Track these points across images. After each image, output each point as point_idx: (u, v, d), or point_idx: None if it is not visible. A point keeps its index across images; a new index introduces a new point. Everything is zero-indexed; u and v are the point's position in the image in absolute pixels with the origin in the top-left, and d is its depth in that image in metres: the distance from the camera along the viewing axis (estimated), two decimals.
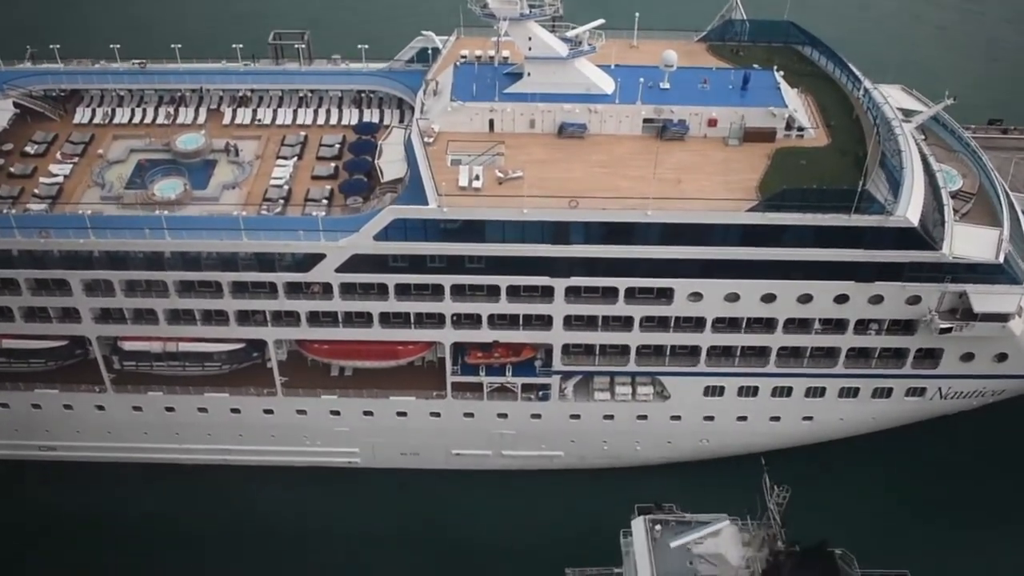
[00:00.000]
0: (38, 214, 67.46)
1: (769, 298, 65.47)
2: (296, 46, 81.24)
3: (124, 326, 70.46)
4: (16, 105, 77.63)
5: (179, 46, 79.93)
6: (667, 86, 68.11)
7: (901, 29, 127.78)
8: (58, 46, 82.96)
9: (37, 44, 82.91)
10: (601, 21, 68.67)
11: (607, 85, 67.59)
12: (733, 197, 61.63)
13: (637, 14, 74.43)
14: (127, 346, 71.62)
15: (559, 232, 62.56)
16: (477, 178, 63.03)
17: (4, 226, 65.11)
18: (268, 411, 73.76)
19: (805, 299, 65.49)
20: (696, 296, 65.59)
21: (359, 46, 79.72)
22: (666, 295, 65.96)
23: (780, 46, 76.46)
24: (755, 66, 71.89)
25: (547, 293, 66.02)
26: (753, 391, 71.31)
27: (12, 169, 73.72)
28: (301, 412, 73.58)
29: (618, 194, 62.12)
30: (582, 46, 66.97)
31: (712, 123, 66.79)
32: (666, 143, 66.46)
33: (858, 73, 71.91)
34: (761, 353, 69.35)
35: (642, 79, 66.59)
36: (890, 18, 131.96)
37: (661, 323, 67.73)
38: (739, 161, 65.21)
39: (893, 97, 72.37)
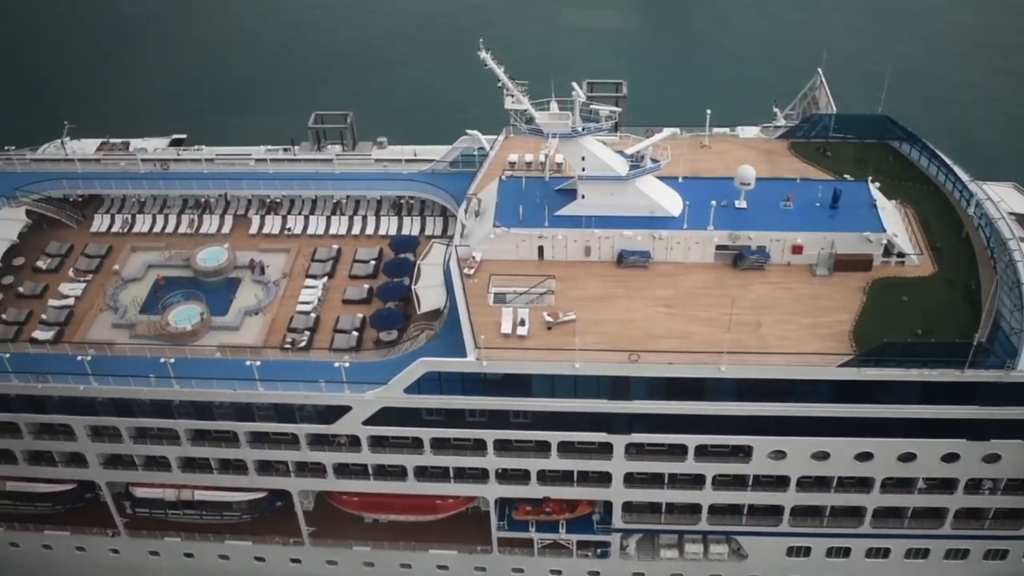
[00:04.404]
0: (38, 353, 60.77)
1: (864, 457, 56.34)
2: (339, 128, 74.83)
3: (135, 472, 63.86)
4: (30, 213, 71.30)
5: (204, 151, 73.45)
6: (743, 205, 59.24)
7: (1013, 115, 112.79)
8: (75, 126, 77.66)
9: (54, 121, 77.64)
10: (667, 133, 60.10)
11: (674, 206, 58.90)
12: (823, 350, 52.54)
13: (708, 111, 65.96)
14: (139, 492, 65.16)
15: (617, 387, 54.18)
16: (523, 323, 54.80)
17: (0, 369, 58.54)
18: (295, 560, 66.41)
19: (907, 458, 56.23)
20: (778, 454, 56.71)
21: (412, 150, 72.58)
22: (744, 452, 57.04)
23: (873, 142, 66.94)
24: (846, 176, 62.51)
25: (605, 449, 57.49)
26: (845, 552, 62.19)
27: (21, 288, 67.68)
28: (331, 563, 66.51)
29: (687, 342, 53.54)
30: (644, 162, 58.21)
31: (797, 250, 57.82)
32: (743, 273, 57.63)
33: (965, 178, 62.46)
34: (855, 513, 60.09)
35: (714, 202, 57.60)
36: (995, 103, 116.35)
37: (738, 481, 58.96)
38: (829, 297, 56.12)
39: (1006, 201, 62.36)
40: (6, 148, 75.95)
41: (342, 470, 61.30)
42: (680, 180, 60.88)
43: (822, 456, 56.52)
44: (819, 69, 70.07)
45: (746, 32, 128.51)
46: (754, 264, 57.89)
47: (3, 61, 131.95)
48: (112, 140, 78.25)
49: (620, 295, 56.87)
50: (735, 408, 54.41)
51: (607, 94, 71.00)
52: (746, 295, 56.16)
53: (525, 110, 57.30)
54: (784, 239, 57.71)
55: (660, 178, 60.08)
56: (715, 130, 68.06)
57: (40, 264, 69.62)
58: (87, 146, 77.56)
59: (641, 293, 56.93)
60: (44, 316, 65.07)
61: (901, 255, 57.59)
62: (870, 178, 61.27)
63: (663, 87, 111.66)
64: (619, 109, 60.30)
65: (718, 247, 58.27)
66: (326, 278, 66.56)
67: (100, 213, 73.54)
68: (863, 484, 58.46)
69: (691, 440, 56.63)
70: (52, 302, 66.23)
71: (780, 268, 58.16)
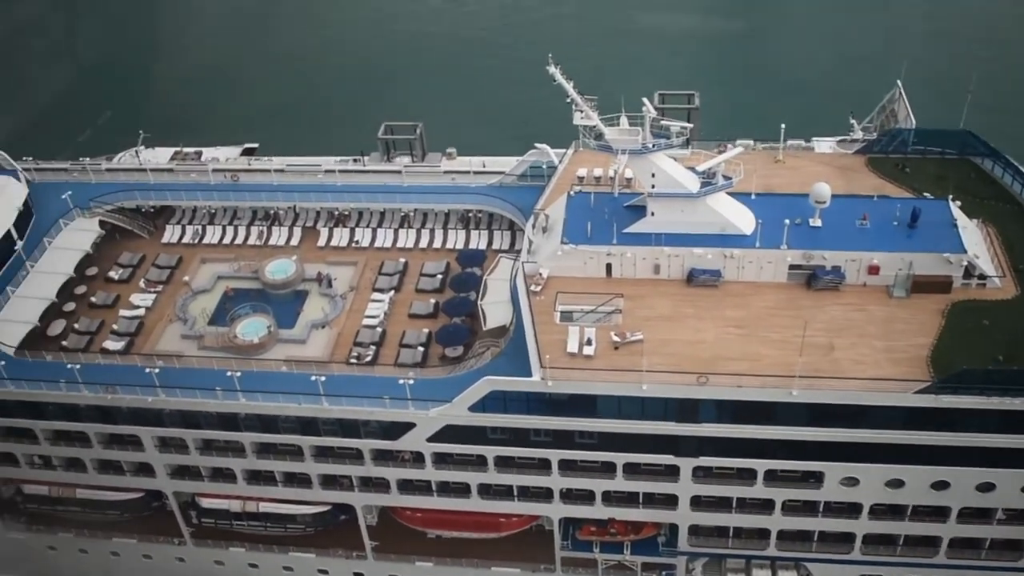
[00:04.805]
0: (108, 364, 61.41)
1: (941, 485, 54.39)
2: (408, 139, 74.92)
3: (201, 483, 64.19)
4: (103, 223, 72.18)
5: (275, 161, 73.76)
6: (818, 223, 57.60)
7: None
8: (149, 135, 78.76)
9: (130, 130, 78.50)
10: (739, 149, 58.74)
11: (746, 224, 57.53)
12: (899, 375, 50.79)
13: (783, 125, 64.34)
14: (205, 503, 65.52)
15: (685, 410, 52.99)
16: (589, 342, 53.89)
17: (70, 379, 59.18)
18: (358, 574, 66.40)
19: (985, 488, 54.17)
20: (851, 481, 55.04)
21: (481, 161, 72.30)
22: (815, 477, 55.49)
23: (954, 158, 64.75)
24: (926, 194, 60.57)
25: (672, 472, 56.37)
26: None
27: (93, 298, 68.58)
28: None
29: (757, 364, 52.18)
30: (716, 179, 56.95)
31: (873, 271, 56.03)
32: (817, 294, 56.07)
33: None
34: (930, 543, 58.16)
35: (787, 220, 56.14)
36: None
37: (808, 506, 57.37)
38: (906, 320, 54.27)
39: None
40: (80, 159, 76.99)
41: (406, 486, 60.94)
42: (753, 197, 59.41)
43: (896, 484, 54.76)
44: (898, 81, 68.11)
45: (824, 40, 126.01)
46: (828, 285, 56.25)
47: (85, 72, 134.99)
48: (185, 149, 79.18)
49: (689, 315, 55.67)
50: (806, 433, 52.88)
51: (679, 106, 70.07)
52: (819, 317, 54.57)
53: (594, 126, 56.43)
54: (860, 259, 55.97)
55: (732, 194, 58.67)
56: (790, 142, 66.46)
57: (112, 274, 70.50)
58: (161, 155, 78.60)
59: (711, 313, 55.65)
60: (115, 326, 65.86)
61: (982, 277, 55.49)
62: (951, 196, 59.09)
63: (737, 97, 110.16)
64: (690, 125, 58.90)
65: (791, 267, 56.72)
66: (393, 292, 66.43)
67: (171, 224, 74.28)
68: (939, 513, 56.45)
69: (760, 464, 55.24)
70: (123, 312, 67.00)
71: (855, 289, 56.40)
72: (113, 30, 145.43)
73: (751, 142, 66.40)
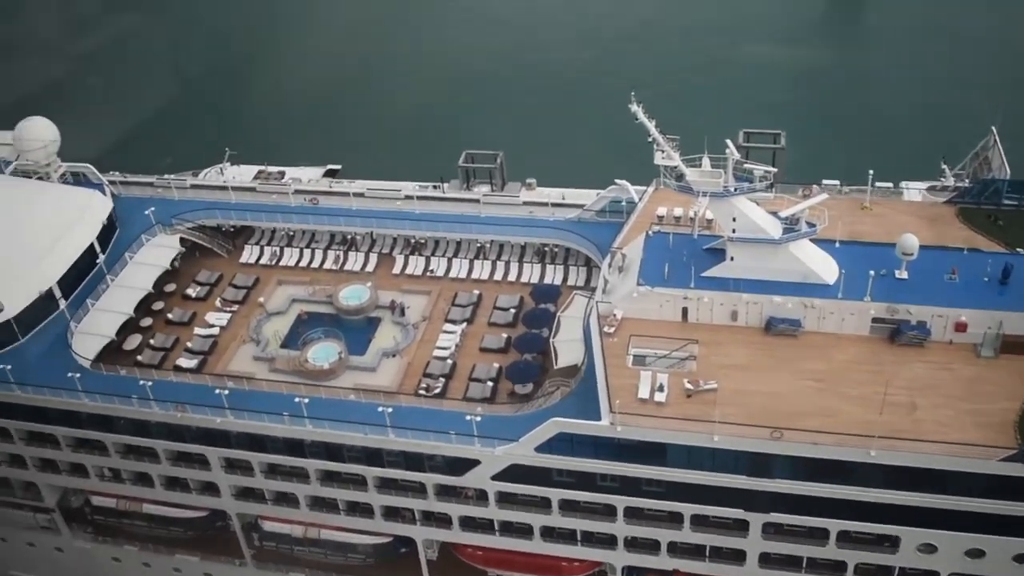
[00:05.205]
0: (179, 383, 61.83)
1: None
2: (488, 168, 74.46)
3: (264, 506, 64.19)
4: (184, 240, 72.97)
5: (356, 184, 73.99)
6: (904, 275, 55.61)
7: None
8: (235, 153, 79.69)
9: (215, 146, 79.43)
10: (824, 196, 57.01)
11: (828, 273, 55.80)
12: (984, 440, 48.58)
13: (871, 172, 62.45)
14: (267, 526, 65.57)
15: (758, 464, 51.37)
16: (661, 388, 52.63)
17: (142, 396, 59.70)
18: None
19: None
20: (928, 547, 52.81)
21: (560, 193, 71.67)
22: (890, 541, 53.43)
23: None
24: (1019, 250, 58.12)
25: (741, 526, 54.73)
26: None
27: (170, 315, 69.31)
28: None
29: (835, 421, 50.34)
30: (799, 225, 55.36)
31: (961, 328, 53.85)
32: (900, 349, 54.08)
33: None
34: None
35: (872, 271, 54.31)
36: None
37: (882, 571, 55.30)
38: (993, 382, 51.99)
39: None
40: (166, 176, 78.04)
41: (468, 522, 60.17)
42: (837, 245, 57.65)
43: (977, 554, 52.37)
44: (993, 128, 65.64)
45: (918, 80, 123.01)
46: (913, 340, 54.20)
47: (180, 85, 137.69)
48: (269, 168, 79.84)
49: (766, 365, 54.10)
50: (884, 495, 50.91)
51: (764, 145, 68.60)
52: (902, 374, 52.59)
53: (675, 166, 55.32)
54: (947, 315, 53.79)
55: (815, 242, 57.01)
56: (878, 184, 64.43)
57: (190, 292, 71.25)
58: (245, 173, 79.38)
59: (789, 364, 53.99)
60: (189, 344, 66.51)
61: None
62: None
63: (825, 135, 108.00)
64: (774, 170, 57.35)
65: (874, 320, 54.77)
66: (465, 324, 65.96)
67: (250, 244, 74.86)
68: None
69: (834, 524, 53.32)
70: (198, 330, 67.64)
71: (941, 346, 54.27)
72: (213, 44, 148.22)
73: (837, 183, 64.67)
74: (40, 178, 73.92)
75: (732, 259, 56.21)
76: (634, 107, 53.98)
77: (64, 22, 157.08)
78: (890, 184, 66.23)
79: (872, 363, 53.41)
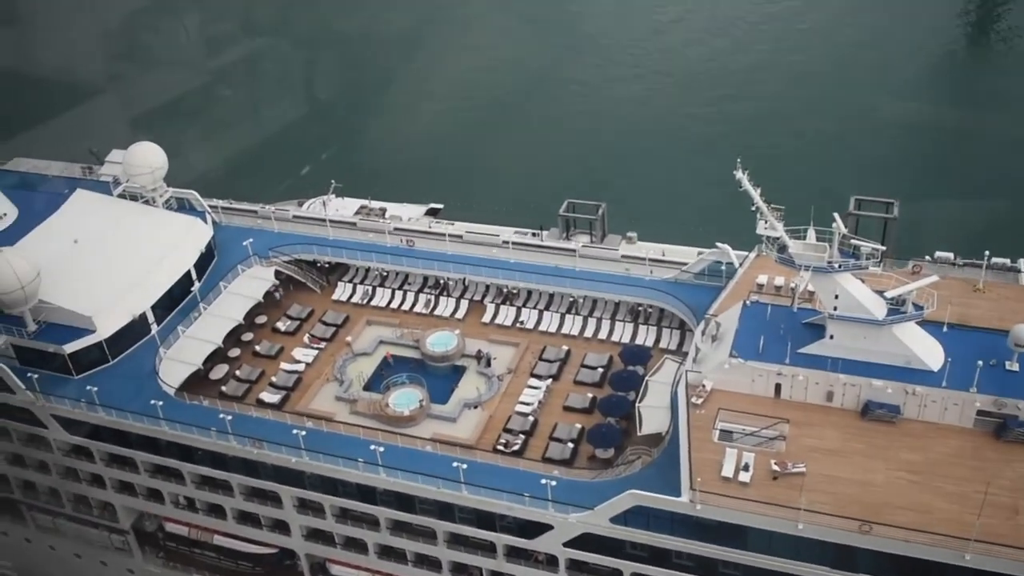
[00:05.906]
0: (259, 418, 61.65)
1: None
2: (589, 219, 73.07)
3: (333, 549, 63.55)
4: (279, 273, 73.24)
5: (455, 226, 73.62)
6: (1015, 367, 52.47)
7: None
8: (340, 185, 79.92)
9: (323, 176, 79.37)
10: (935, 278, 54.14)
11: (933, 359, 52.93)
12: None
13: (987, 252, 59.40)
14: (334, 570, 64.83)
15: (843, 557, 48.70)
16: (746, 468, 50.40)
17: (221, 428, 59.72)
18: None
19: None
20: None
21: (661, 249, 70.36)
22: None
23: None
24: None
25: None
26: None
27: (258, 347, 69.46)
28: None
29: (928, 518, 47.50)
30: (905, 306, 52.66)
31: None
32: (1006, 446, 50.87)
33: None
34: None
35: (980, 361, 51.29)
36: None
37: None
38: None
39: None
40: (266, 206, 78.66)
41: None
42: (944, 329, 54.76)
43: None
44: None
45: None
46: (1021, 438, 50.98)
47: (297, 113, 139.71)
48: (371, 204, 79.85)
49: (859, 451, 51.41)
50: None
51: (875, 214, 66.19)
52: (1006, 473, 49.36)
53: (779, 237, 53.29)
54: None
55: (921, 324, 54.26)
56: (995, 259, 61.26)
57: (279, 325, 71.40)
58: (349, 206, 79.49)
59: (884, 453, 51.22)
60: (274, 378, 66.53)
61: None
62: None
63: (940, 202, 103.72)
64: (883, 248, 54.83)
65: (979, 412, 51.70)
66: (551, 380, 64.50)
67: (343, 281, 74.85)
68: None
69: None
70: (284, 365, 67.65)
71: None
72: (337, 73, 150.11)
73: (951, 255, 61.77)
74: (146, 202, 74.99)
75: (831, 337, 53.77)
76: (739, 174, 52.27)
77: (199, 41, 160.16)
78: (1007, 260, 62.86)
79: (974, 459, 50.38)
